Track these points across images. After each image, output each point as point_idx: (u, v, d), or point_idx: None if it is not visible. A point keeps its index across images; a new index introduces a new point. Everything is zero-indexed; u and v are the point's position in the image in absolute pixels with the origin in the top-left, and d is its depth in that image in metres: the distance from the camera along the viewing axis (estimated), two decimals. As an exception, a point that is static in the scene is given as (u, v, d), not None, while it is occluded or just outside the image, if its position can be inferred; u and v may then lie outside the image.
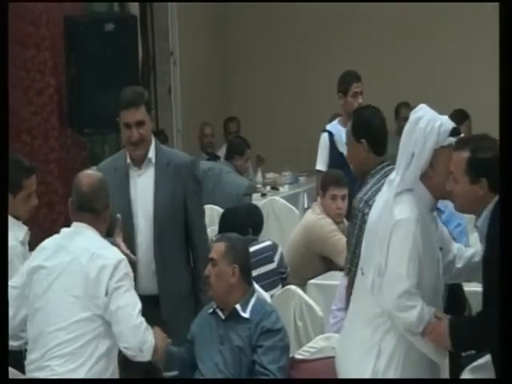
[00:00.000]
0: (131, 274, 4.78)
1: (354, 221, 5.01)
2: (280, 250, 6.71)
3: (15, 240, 5.27)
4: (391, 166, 4.65)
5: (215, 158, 10.30)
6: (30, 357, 4.74)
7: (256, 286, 6.09)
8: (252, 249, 6.35)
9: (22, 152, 9.32)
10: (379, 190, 4.54)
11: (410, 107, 8.24)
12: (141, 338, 4.65)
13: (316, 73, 11.57)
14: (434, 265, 4.21)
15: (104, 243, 4.88)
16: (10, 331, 4.74)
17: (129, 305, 4.68)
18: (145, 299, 4.91)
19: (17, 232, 5.31)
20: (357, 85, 7.46)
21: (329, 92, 8.83)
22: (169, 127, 11.52)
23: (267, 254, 6.52)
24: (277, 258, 6.59)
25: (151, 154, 5.45)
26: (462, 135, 4.23)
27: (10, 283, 4.81)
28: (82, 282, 4.69)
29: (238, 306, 5.00)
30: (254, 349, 4.93)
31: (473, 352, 4.29)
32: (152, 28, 11.81)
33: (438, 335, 4.07)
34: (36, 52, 9.34)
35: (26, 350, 5.18)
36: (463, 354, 4.14)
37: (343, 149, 7.49)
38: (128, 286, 4.72)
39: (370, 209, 4.54)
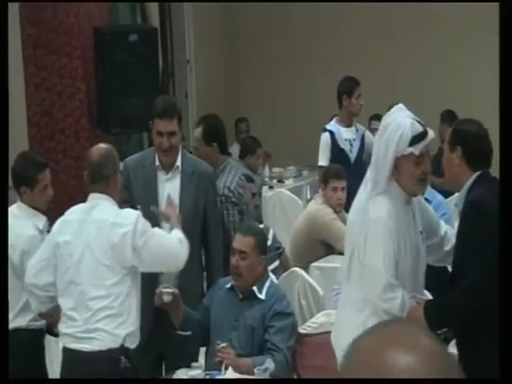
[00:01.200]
0: (148, 223, 4.86)
1: None
2: (271, 230, 6.68)
3: (35, 230, 5.30)
4: None
5: (228, 154, 10.26)
6: (74, 324, 4.78)
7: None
8: None
9: (56, 150, 9.38)
10: None
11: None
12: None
13: (316, 78, 11.57)
14: (412, 250, 4.22)
15: (118, 210, 4.91)
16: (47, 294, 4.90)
17: (167, 246, 4.87)
18: None
19: (36, 221, 5.33)
20: (359, 88, 7.60)
21: (327, 94, 8.89)
22: (185, 127, 11.51)
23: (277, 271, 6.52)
24: (270, 236, 6.52)
25: (179, 161, 5.41)
26: (431, 138, 4.20)
27: (35, 258, 4.95)
28: (108, 250, 4.76)
29: (255, 288, 4.99)
30: (266, 329, 4.91)
31: (445, 329, 4.30)
32: (171, 39, 11.81)
33: (416, 319, 4.08)
34: (68, 60, 9.35)
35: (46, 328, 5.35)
36: (438, 332, 4.12)
37: (343, 145, 7.61)
38: (150, 234, 4.82)
39: None
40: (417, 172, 4.13)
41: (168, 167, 5.41)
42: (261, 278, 5.05)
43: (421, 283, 4.31)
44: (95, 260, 4.77)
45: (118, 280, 4.78)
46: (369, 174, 4.29)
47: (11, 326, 5.06)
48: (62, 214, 5.37)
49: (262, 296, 4.98)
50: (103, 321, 4.73)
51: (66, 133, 9.31)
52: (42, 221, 5.37)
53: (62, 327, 4.86)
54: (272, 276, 5.31)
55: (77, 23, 9.35)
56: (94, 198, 4.89)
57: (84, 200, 4.99)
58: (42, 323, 5.34)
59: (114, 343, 4.72)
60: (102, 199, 4.87)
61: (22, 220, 5.30)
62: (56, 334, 5.25)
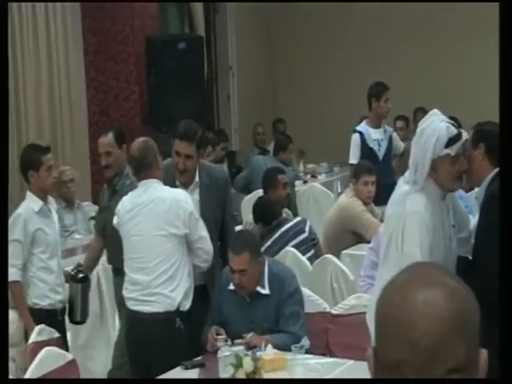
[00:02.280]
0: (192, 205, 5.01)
1: None
2: (308, 222, 6.62)
3: (26, 209, 5.34)
4: None
5: (265, 151, 10.33)
6: (137, 288, 4.92)
7: (296, 251, 6.19)
8: (287, 226, 6.48)
9: (112, 147, 9.49)
10: None
11: (425, 112, 8.27)
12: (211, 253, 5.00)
13: (346, 82, 11.57)
14: (445, 242, 4.24)
15: (167, 189, 5.05)
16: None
17: (204, 235, 4.98)
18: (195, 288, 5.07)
19: (32, 204, 5.35)
20: (387, 93, 7.61)
21: (356, 97, 8.91)
22: (228, 127, 11.60)
23: (299, 227, 6.47)
24: (307, 228, 6.52)
25: (197, 178, 5.30)
26: (465, 138, 4.22)
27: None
28: (163, 223, 4.90)
29: (258, 288, 4.81)
30: (277, 320, 4.79)
31: None
32: (215, 47, 11.86)
33: None
34: (124, 66, 9.44)
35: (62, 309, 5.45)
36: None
37: (372, 144, 7.62)
38: (197, 216, 4.97)
39: None
40: (453, 171, 4.15)
41: (186, 185, 5.30)
42: (259, 273, 4.86)
43: (452, 270, 4.34)
44: (154, 231, 4.91)
45: (173, 247, 4.93)
46: (407, 174, 4.32)
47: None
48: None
49: (266, 291, 4.82)
50: (162, 285, 4.88)
51: (122, 131, 9.39)
52: (38, 204, 5.36)
53: (126, 292, 5.02)
54: (301, 257, 5.09)
55: (131, 33, 9.44)
56: (143, 184, 5.03)
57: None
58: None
59: (170, 306, 4.87)
60: (151, 182, 5.00)
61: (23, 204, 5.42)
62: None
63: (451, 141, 4.10)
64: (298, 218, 6.81)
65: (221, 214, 5.35)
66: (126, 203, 5.07)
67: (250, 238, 5.02)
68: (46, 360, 4.57)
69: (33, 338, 4.95)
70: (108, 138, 5.85)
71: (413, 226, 4.17)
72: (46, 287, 5.33)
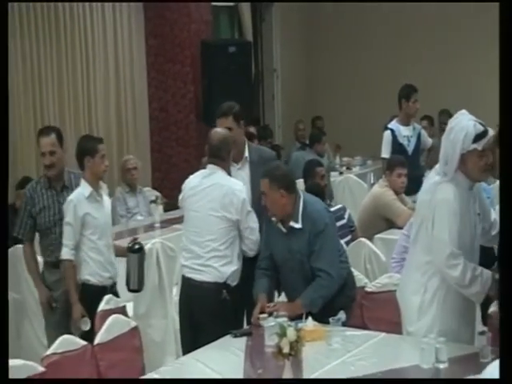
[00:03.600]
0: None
1: None
2: (348, 210, 6.63)
3: (77, 195, 5.31)
4: None
5: (305, 146, 10.31)
6: (192, 257, 5.00)
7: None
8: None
9: (170, 138, 9.54)
10: None
11: (449, 113, 8.22)
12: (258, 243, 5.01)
13: (378, 83, 11.50)
14: (471, 228, 4.21)
15: (228, 178, 5.06)
16: None
17: (254, 226, 4.99)
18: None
19: (83, 190, 5.34)
20: (416, 94, 7.56)
21: (387, 97, 8.85)
22: (272, 123, 11.60)
23: (340, 214, 6.45)
24: (346, 215, 6.53)
25: (246, 153, 5.29)
26: (491, 134, 4.19)
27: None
28: (219, 206, 4.95)
29: (291, 223, 4.69)
30: (310, 255, 4.69)
31: None
32: (261, 51, 11.87)
33: None
34: (181, 67, 9.48)
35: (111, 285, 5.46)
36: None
37: (402, 140, 7.59)
38: (250, 209, 5.00)
39: None
40: (480, 163, 4.13)
41: (238, 159, 5.27)
42: (293, 209, 4.70)
43: (476, 258, 4.30)
44: (210, 210, 4.96)
45: (225, 229, 4.97)
46: (438, 166, 4.31)
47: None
48: (172, 188, 5.51)
49: (299, 225, 4.67)
50: (213, 259, 4.94)
51: (178, 125, 9.45)
52: (88, 190, 5.35)
53: (183, 260, 5.10)
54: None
55: (188, 37, 9.47)
56: (211, 167, 5.07)
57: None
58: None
59: (219, 279, 4.93)
60: (218, 169, 5.05)
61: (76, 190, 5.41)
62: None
63: (478, 137, 4.10)
64: (339, 206, 6.79)
65: None
66: (192, 180, 5.13)
67: (277, 170, 4.81)
68: (114, 326, 4.62)
69: (101, 306, 5.01)
70: (51, 138, 5.38)
71: (442, 213, 4.17)
72: (95, 265, 5.35)
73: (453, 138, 4.15)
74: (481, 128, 4.13)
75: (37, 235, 5.53)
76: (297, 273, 4.76)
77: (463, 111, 4.27)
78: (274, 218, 4.76)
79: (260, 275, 4.88)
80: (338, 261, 4.79)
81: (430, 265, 4.26)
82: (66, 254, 5.24)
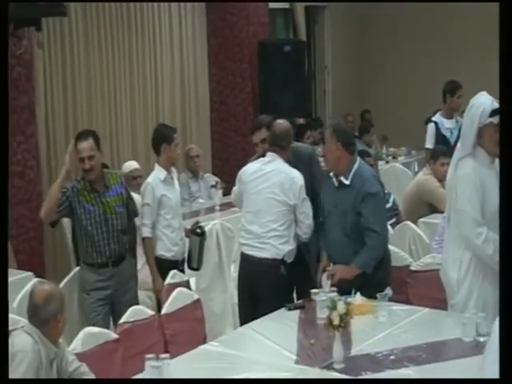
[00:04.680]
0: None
1: None
2: (392, 196, 6.57)
3: (153, 178, 5.39)
4: None
5: (355, 137, 10.19)
6: (251, 236, 4.98)
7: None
8: None
9: (229, 129, 9.53)
10: None
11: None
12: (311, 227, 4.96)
13: (422, 78, 11.36)
14: (495, 199, 4.08)
15: (286, 166, 5.02)
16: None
17: (308, 212, 4.95)
18: None
19: (159, 174, 5.41)
20: (460, 90, 7.43)
21: (429, 93, 8.74)
22: (323, 115, 11.54)
23: (385, 198, 6.40)
24: (391, 200, 6.48)
25: None
26: None
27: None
28: (279, 190, 4.94)
29: (342, 178, 4.66)
30: (359, 213, 4.58)
31: None
32: (314, 50, 11.80)
33: None
34: (240, 64, 9.46)
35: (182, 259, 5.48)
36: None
37: (445, 132, 7.47)
38: (305, 196, 4.95)
39: None
40: (495, 136, 4.10)
41: None
42: (346, 168, 4.66)
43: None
44: (270, 194, 4.95)
45: (284, 212, 4.95)
46: (459, 144, 4.32)
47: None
48: (231, 174, 5.48)
49: (348, 182, 4.62)
50: (272, 238, 4.94)
51: (237, 117, 9.45)
52: (163, 173, 5.41)
53: (242, 239, 5.10)
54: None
55: (246, 37, 9.45)
56: (271, 155, 5.05)
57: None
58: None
59: (277, 255, 4.93)
60: (277, 157, 5.04)
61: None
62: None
63: (494, 112, 4.12)
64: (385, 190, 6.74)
65: (309, 186, 5.19)
66: (251, 167, 5.12)
67: (341, 126, 4.93)
68: (178, 298, 4.66)
69: (167, 280, 5.05)
70: (89, 143, 4.86)
71: (463, 186, 4.19)
72: (169, 242, 5.41)
73: (472, 114, 4.19)
74: (497, 105, 4.12)
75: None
76: (337, 228, 4.72)
77: (483, 92, 4.30)
78: (331, 174, 4.78)
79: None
80: (386, 225, 4.77)
81: (462, 238, 4.22)
82: (145, 232, 5.31)
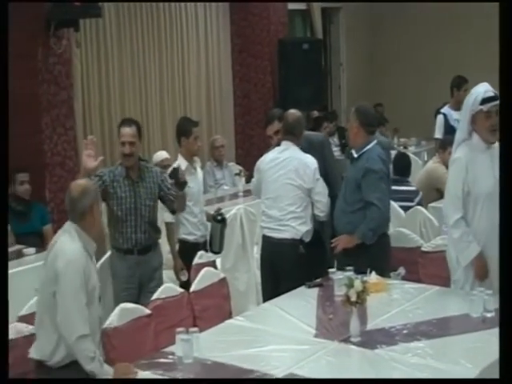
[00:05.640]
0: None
1: None
2: (421, 194, 6.41)
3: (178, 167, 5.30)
4: None
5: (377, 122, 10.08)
6: (271, 220, 4.98)
7: (394, 203, 6.00)
8: (401, 187, 6.32)
9: (251, 122, 9.51)
10: None
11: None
12: (327, 206, 4.96)
13: (430, 74, 11.24)
14: (486, 180, 4.12)
15: (301, 153, 5.00)
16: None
17: (323, 191, 4.96)
18: None
19: (181, 163, 5.33)
20: (466, 85, 7.33)
21: (438, 88, 8.65)
22: (338, 108, 11.47)
23: (408, 196, 6.32)
24: (417, 199, 6.34)
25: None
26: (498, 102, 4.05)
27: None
28: (295, 176, 4.94)
29: (353, 151, 4.73)
30: (359, 185, 4.61)
31: None
32: (330, 47, 11.72)
33: None
34: (261, 61, 9.44)
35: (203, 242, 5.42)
36: None
37: (453, 123, 7.38)
38: (318, 176, 4.95)
39: None
40: (486, 124, 4.12)
41: None
42: (361, 144, 4.67)
43: (497, 202, 4.12)
44: (287, 180, 4.95)
45: (300, 195, 4.95)
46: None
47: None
48: (253, 163, 5.47)
49: (356, 155, 4.67)
50: (290, 220, 4.94)
51: (258, 110, 9.42)
52: (184, 164, 5.35)
53: (263, 223, 5.10)
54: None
55: (267, 36, 9.41)
56: (286, 143, 5.03)
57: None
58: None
59: (296, 235, 4.93)
60: (291, 145, 5.02)
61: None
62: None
63: (485, 100, 4.11)
64: (413, 188, 6.63)
65: (323, 170, 5.15)
66: (268, 156, 5.10)
67: (363, 108, 4.81)
68: (206, 277, 4.65)
69: (195, 261, 5.04)
70: (132, 129, 4.71)
71: (451, 171, 4.24)
72: (191, 226, 5.39)
73: (466, 102, 4.21)
74: (490, 93, 4.11)
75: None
76: (341, 197, 4.77)
77: (484, 83, 4.27)
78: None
79: None
80: (387, 199, 4.72)
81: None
82: (168, 217, 5.28)
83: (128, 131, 4.70)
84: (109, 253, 4.98)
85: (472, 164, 4.13)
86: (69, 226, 3.52)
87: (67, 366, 3.41)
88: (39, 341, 3.44)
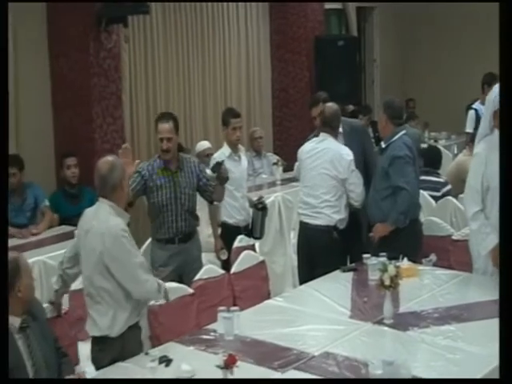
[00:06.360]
0: None
1: None
2: (449, 186, 6.28)
3: (219, 154, 5.39)
4: None
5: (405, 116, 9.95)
6: (307, 207, 4.98)
7: (425, 193, 5.94)
8: (429, 178, 6.23)
9: (289, 114, 9.43)
10: None
11: None
12: (362, 195, 4.96)
13: (461, 70, 11.07)
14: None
15: (337, 143, 4.99)
16: None
17: (358, 182, 4.94)
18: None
19: (224, 151, 5.38)
20: (496, 81, 7.16)
21: (470, 82, 8.52)
22: (372, 103, 11.34)
23: (435, 186, 6.21)
24: (444, 190, 6.23)
25: (341, 129, 5.14)
26: None
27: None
28: (331, 166, 4.93)
29: (382, 142, 4.77)
30: (387, 173, 4.63)
31: None
32: (364, 44, 11.59)
33: None
34: (298, 57, 9.36)
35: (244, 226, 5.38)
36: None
37: (484, 118, 7.28)
38: (353, 168, 4.93)
39: None
40: None
41: None
42: (389, 135, 4.69)
43: None
44: (323, 169, 4.94)
45: (335, 185, 4.94)
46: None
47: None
48: (290, 153, 5.45)
49: (383, 145, 4.72)
50: (325, 208, 4.93)
51: (295, 103, 9.36)
52: (227, 152, 5.38)
53: (300, 209, 5.09)
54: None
55: (304, 33, 9.34)
56: (323, 135, 5.01)
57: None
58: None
59: (330, 222, 4.93)
60: (328, 137, 5.00)
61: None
62: None
63: None
64: (441, 180, 6.52)
65: (362, 154, 5.14)
66: (307, 146, 5.12)
67: (391, 101, 4.81)
68: (245, 259, 4.66)
69: (235, 244, 5.05)
70: (170, 125, 4.60)
71: (472, 165, 4.25)
72: (232, 210, 5.40)
73: (489, 98, 4.17)
74: None
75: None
76: (373, 185, 4.77)
77: None
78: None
79: None
80: (415, 183, 4.68)
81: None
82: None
83: (166, 127, 4.60)
84: (148, 241, 4.92)
85: (492, 159, 4.04)
86: (101, 202, 3.47)
87: (128, 330, 3.41)
88: (94, 319, 3.43)
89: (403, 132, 4.71)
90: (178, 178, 4.64)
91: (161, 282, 3.50)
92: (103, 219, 3.41)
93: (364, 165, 5.09)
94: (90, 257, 3.41)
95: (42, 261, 4.78)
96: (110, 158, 3.58)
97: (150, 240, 4.87)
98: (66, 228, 5.53)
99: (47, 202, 5.85)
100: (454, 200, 5.88)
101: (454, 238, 4.97)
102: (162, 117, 4.73)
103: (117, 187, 3.45)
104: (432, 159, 6.52)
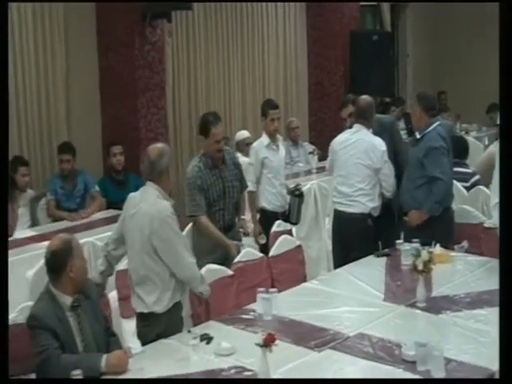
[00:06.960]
0: None
1: None
2: (477, 177, 6.12)
3: (258, 143, 5.31)
4: None
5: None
6: (342, 195, 4.94)
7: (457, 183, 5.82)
8: (457, 169, 6.10)
9: (324, 106, 9.35)
10: None
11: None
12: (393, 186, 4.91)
13: (491, 63, 10.83)
14: None
15: (370, 135, 4.92)
16: None
17: (389, 173, 4.89)
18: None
19: (263, 140, 5.30)
20: None
21: (496, 77, 8.33)
22: (404, 95, 11.19)
23: (463, 176, 6.07)
24: (472, 180, 6.09)
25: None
26: None
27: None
28: (365, 156, 4.88)
29: (417, 133, 4.68)
30: (422, 163, 4.54)
31: None
32: (397, 39, 11.43)
33: None
34: (334, 52, 9.26)
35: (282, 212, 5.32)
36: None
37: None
38: (387, 159, 4.86)
39: None
40: None
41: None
42: (424, 126, 4.60)
43: None
44: (357, 159, 4.90)
45: (369, 174, 4.89)
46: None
47: None
48: (325, 143, 5.39)
49: (418, 136, 4.61)
50: (360, 196, 4.88)
51: (331, 95, 9.29)
52: (266, 141, 5.30)
53: (334, 198, 5.04)
54: (461, 189, 4.77)
55: (340, 29, 9.25)
56: (357, 126, 4.96)
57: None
58: None
59: (364, 210, 4.88)
60: (362, 128, 4.96)
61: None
62: None
63: None
64: (469, 170, 6.38)
65: (392, 152, 5.04)
66: (341, 137, 5.07)
67: (425, 93, 4.79)
68: (283, 243, 4.63)
69: (273, 228, 5.02)
70: (222, 127, 4.53)
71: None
72: (270, 196, 5.37)
73: None
74: None
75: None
76: (407, 174, 4.70)
77: None
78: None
79: None
80: (450, 173, 4.62)
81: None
82: (250, 186, 5.23)
83: (220, 131, 4.48)
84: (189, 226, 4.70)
85: None
86: (148, 186, 3.46)
87: (172, 307, 3.45)
88: (141, 296, 3.44)
89: (438, 123, 4.63)
90: (225, 172, 4.56)
91: (203, 275, 3.56)
92: (152, 202, 3.41)
93: (394, 162, 4.99)
94: (136, 238, 3.41)
95: (91, 242, 4.83)
96: (159, 145, 3.58)
97: (188, 227, 4.77)
98: (113, 212, 5.57)
99: (97, 188, 5.91)
100: (485, 189, 5.76)
101: (485, 225, 4.87)
102: (214, 121, 4.48)
103: (163, 173, 3.47)
104: (459, 150, 6.35)
